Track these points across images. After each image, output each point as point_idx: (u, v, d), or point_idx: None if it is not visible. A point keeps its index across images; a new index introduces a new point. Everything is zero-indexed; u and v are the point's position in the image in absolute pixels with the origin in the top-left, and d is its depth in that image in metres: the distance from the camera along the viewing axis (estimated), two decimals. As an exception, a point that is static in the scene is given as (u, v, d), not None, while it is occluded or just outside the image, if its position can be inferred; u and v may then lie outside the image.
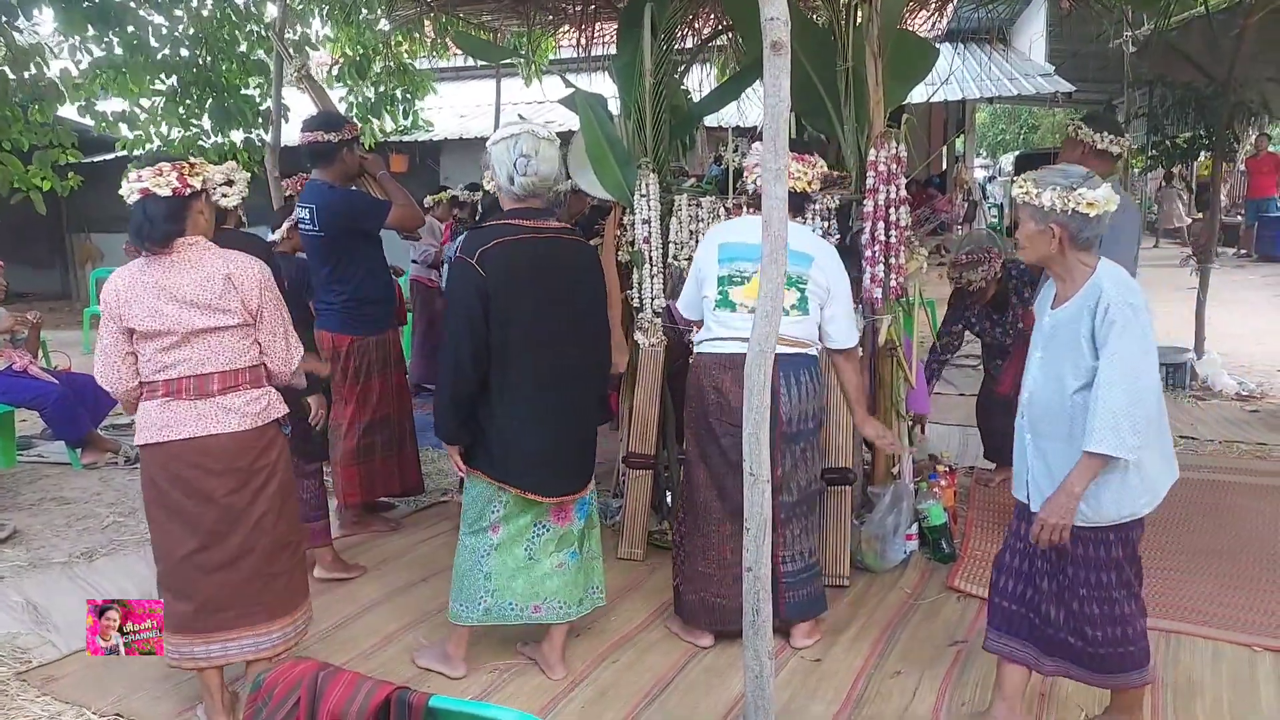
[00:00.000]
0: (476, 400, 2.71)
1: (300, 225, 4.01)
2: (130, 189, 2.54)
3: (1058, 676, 2.50)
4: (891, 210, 3.47)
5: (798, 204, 3.03)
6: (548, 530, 2.85)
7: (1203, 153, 7.13)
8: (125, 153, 5.66)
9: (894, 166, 3.45)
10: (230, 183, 3.56)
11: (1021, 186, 2.33)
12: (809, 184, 3.00)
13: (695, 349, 3.03)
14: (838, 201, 3.68)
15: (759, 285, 2.78)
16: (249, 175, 3.74)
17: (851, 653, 3.02)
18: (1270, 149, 13.29)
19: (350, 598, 3.54)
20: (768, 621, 2.13)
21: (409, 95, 7.23)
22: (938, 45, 4.50)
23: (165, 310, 2.49)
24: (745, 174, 3.13)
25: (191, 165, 2.60)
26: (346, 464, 4.05)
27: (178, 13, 5.23)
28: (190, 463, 2.53)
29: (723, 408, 2.92)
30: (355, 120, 4.45)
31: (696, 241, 3.83)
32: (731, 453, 2.89)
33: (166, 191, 2.52)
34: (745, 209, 3.29)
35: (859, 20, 3.59)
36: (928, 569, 3.66)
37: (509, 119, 2.87)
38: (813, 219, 3.65)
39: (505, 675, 2.94)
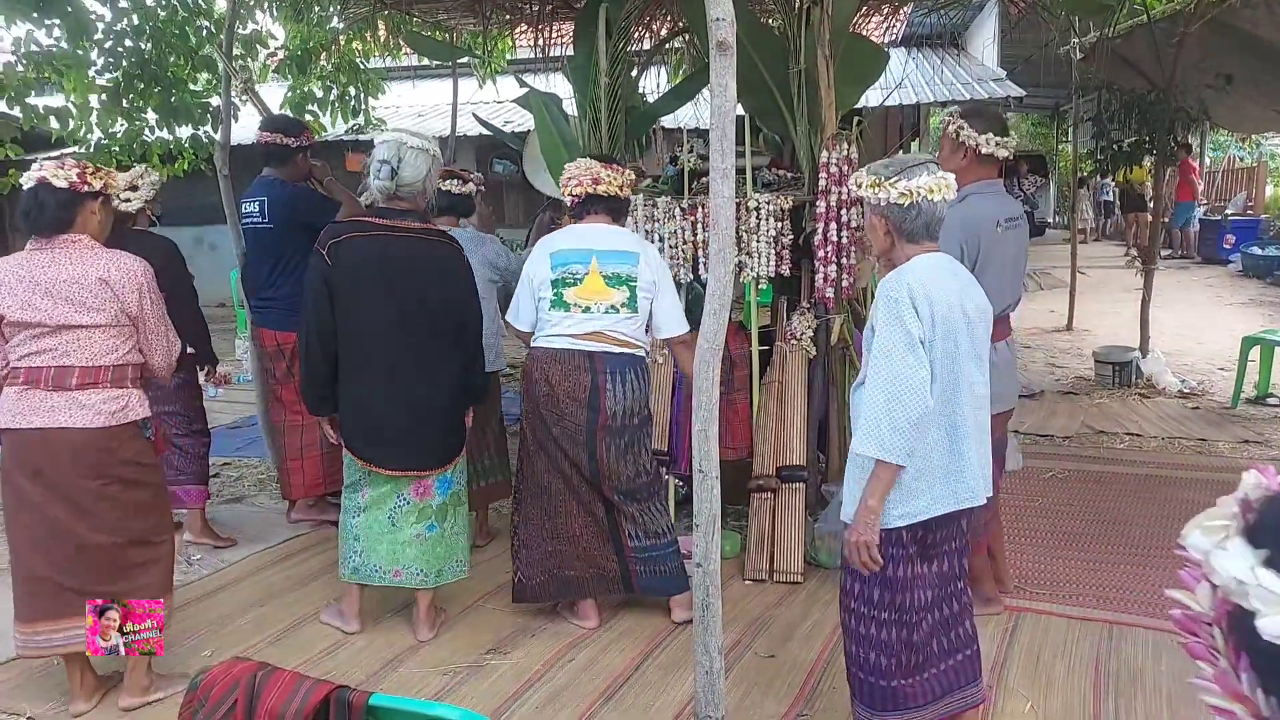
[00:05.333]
0: (332, 377, 2.99)
1: (246, 219, 4.01)
2: (29, 176, 2.59)
3: None
4: (843, 211, 3.51)
5: (614, 208, 3.18)
6: (407, 502, 3.08)
7: (1146, 158, 7.31)
8: (73, 147, 5.52)
9: (845, 168, 3.50)
10: (134, 188, 3.63)
11: (857, 180, 2.26)
12: (620, 188, 3.15)
13: (531, 344, 3.17)
14: (791, 203, 3.72)
15: (592, 285, 3.02)
16: (158, 178, 3.80)
17: (805, 649, 3.04)
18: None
19: (306, 600, 3.50)
20: (717, 617, 2.14)
21: (360, 93, 7.14)
22: (892, 50, 4.57)
23: (37, 303, 2.53)
24: (562, 187, 3.22)
25: (97, 169, 2.67)
26: (309, 455, 4.07)
27: (123, 3, 5.12)
28: (37, 453, 2.56)
29: (551, 399, 3.05)
30: (309, 127, 4.46)
31: (653, 241, 3.85)
32: (562, 440, 3.06)
33: (62, 183, 2.57)
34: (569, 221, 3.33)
35: (811, 23, 3.62)
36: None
37: (385, 129, 2.98)
38: (767, 220, 3.69)
39: (459, 676, 2.93)
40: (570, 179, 3.14)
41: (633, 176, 3.25)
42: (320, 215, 3.90)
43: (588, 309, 3.04)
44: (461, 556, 3.23)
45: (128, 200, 3.63)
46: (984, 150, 2.91)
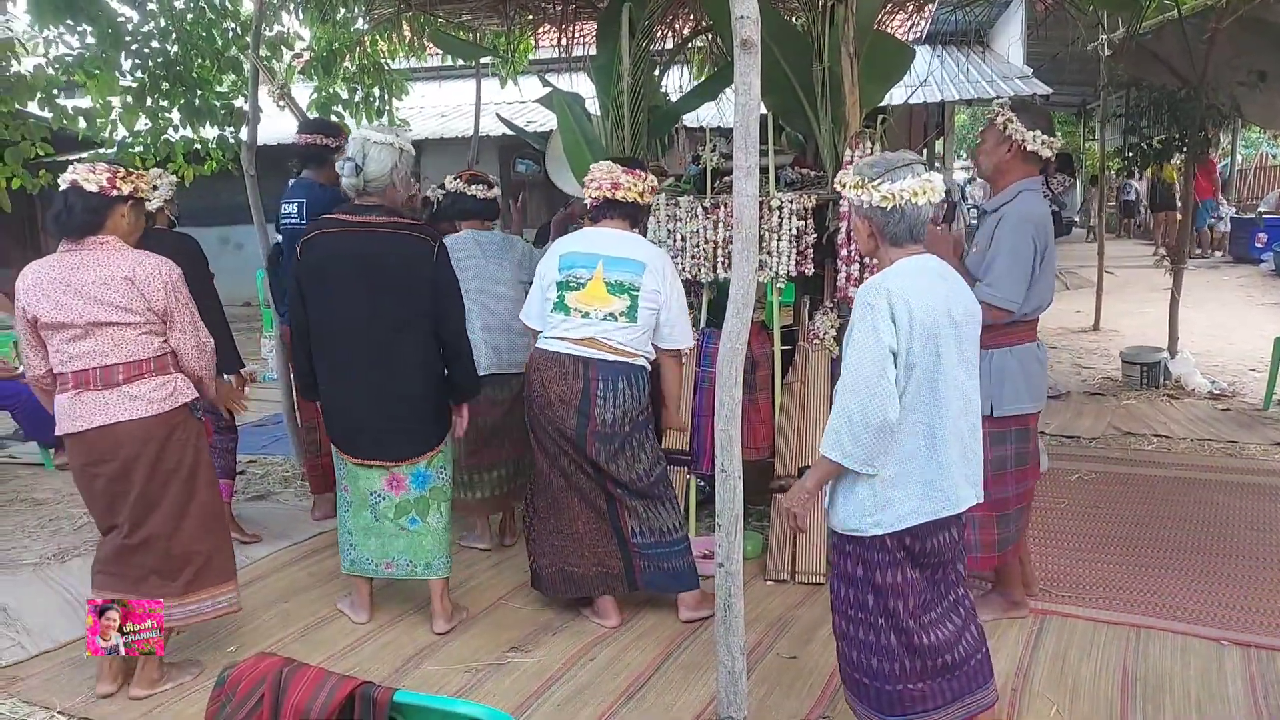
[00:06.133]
0: (310, 368, 3.11)
1: (285, 220, 4.05)
2: (64, 180, 2.67)
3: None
4: (867, 210, 3.48)
5: (631, 214, 3.14)
6: (384, 498, 3.16)
7: (1176, 155, 7.21)
8: (99, 146, 5.60)
9: (869, 166, 3.47)
10: (153, 187, 3.73)
11: (841, 180, 2.20)
12: (639, 195, 3.11)
13: (535, 345, 3.20)
14: (814, 201, 3.70)
15: (594, 291, 3.03)
16: (174, 179, 3.87)
17: (827, 650, 3.02)
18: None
19: (329, 596, 3.53)
20: (739, 617, 2.14)
21: (384, 94, 7.18)
22: (917, 47, 4.53)
23: (68, 303, 2.60)
24: (583, 187, 3.20)
25: (129, 173, 2.74)
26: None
27: (151, 6, 5.18)
28: (104, 450, 2.65)
29: (545, 401, 3.09)
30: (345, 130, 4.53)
31: (675, 240, 3.85)
32: (559, 439, 3.10)
33: (93, 187, 2.65)
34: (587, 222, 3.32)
35: (835, 20, 3.60)
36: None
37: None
38: (789, 219, 3.67)
39: (482, 673, 2.94)
40: (591, 181, 3.15)
41: (654, 183, 3.24)
42: None
43: (586, 314, 3.06)
44: (445, 553, 3.23)
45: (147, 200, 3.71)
46: (1029, 147, 2.87)
